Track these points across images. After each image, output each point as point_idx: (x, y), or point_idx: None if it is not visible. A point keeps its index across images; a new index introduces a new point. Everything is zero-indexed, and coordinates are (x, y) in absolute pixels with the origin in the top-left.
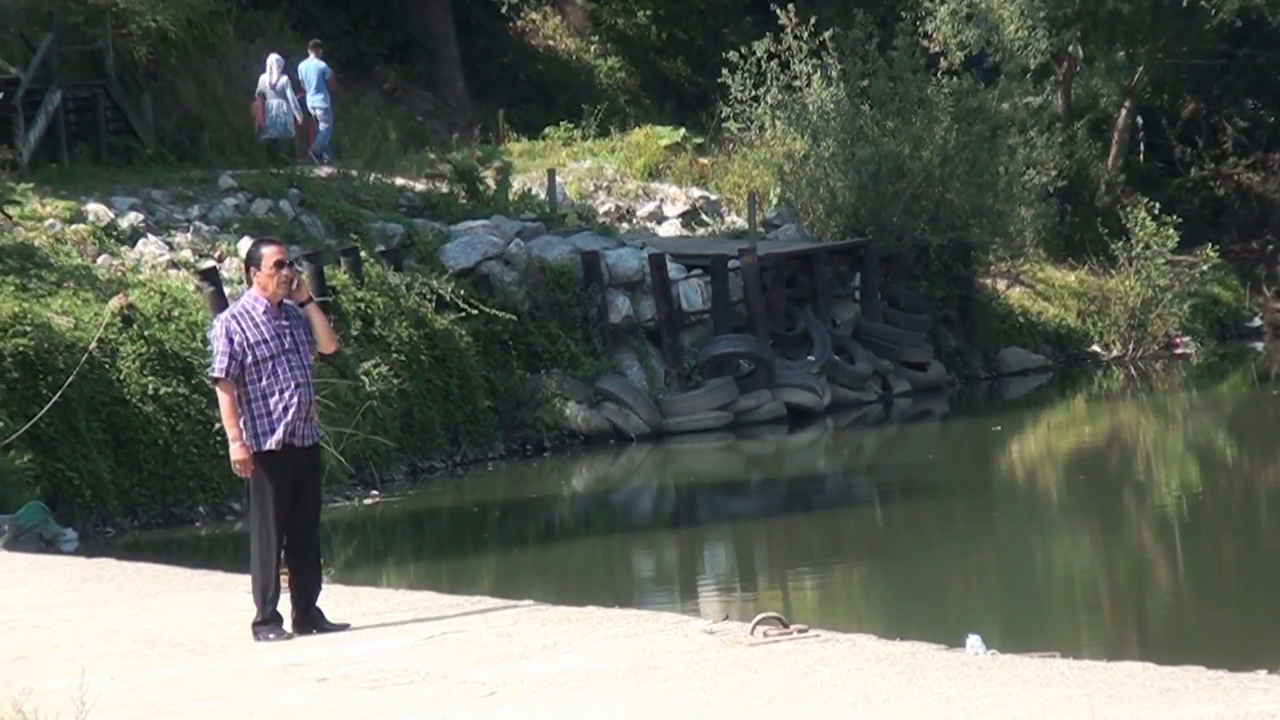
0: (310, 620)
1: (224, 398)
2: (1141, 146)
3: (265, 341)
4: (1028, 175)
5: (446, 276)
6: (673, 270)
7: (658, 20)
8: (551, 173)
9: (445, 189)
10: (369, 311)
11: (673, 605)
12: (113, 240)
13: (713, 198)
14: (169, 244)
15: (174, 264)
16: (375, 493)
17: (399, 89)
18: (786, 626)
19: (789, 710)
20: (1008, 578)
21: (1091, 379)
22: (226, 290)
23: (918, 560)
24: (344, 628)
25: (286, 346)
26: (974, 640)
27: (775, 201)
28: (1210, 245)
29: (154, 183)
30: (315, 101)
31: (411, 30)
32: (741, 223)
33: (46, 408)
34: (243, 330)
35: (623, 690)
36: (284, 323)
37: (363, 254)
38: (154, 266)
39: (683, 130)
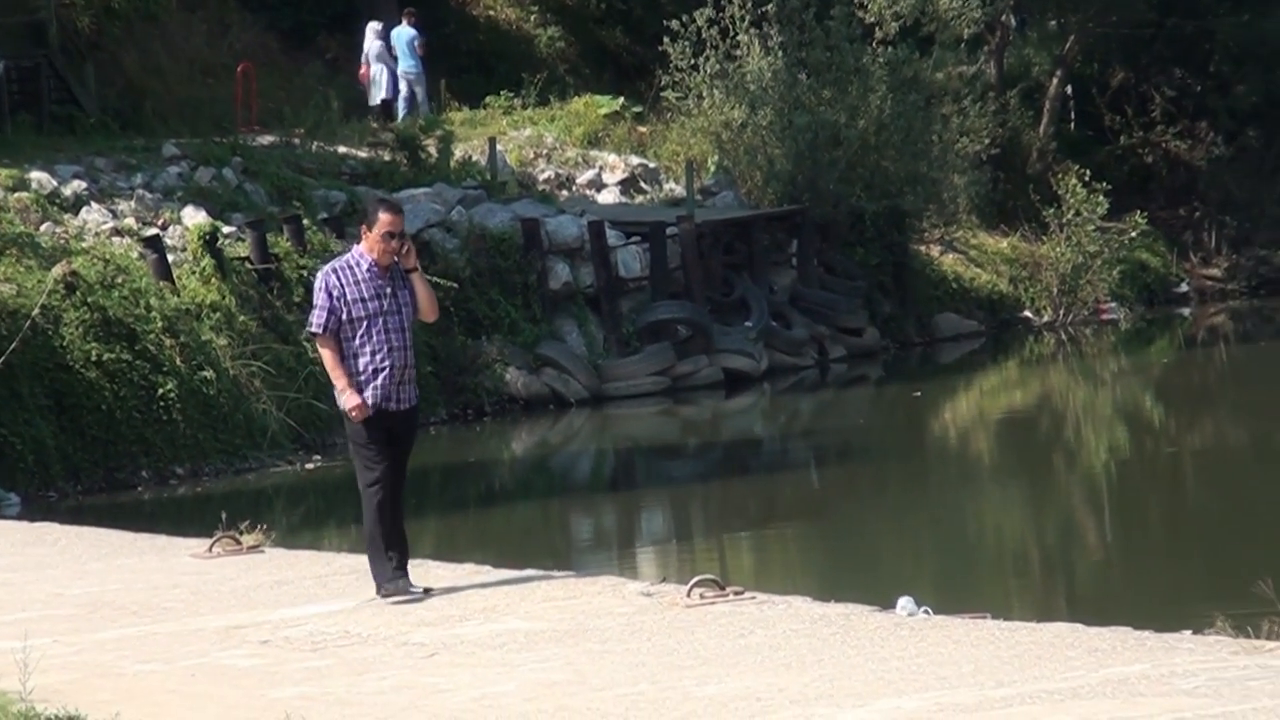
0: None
1: (326, 352)
2: (1072, 115)
3: (364, 300)
4: (961, 143)
5: None
6: (611, 237)
7: None
8: (492, 141)
9: (387, 157)
10: (311, 278)
11: (611, 568)
12: (56, 208)
13: (651, 166)
14: (112, 211)
15: (118, 231)
16: (317, 457)
17: (341, 58)
18: (723, 589)
19: (724, 671)
20: (940, 540)
21: (1023, 344)
22: (170, 257)
23: (852, 523)
24: (427, 594)
25: (385, 308)
26: (905, 601)
27: (713, 169)
28: (1139, 212)
29: (97, 151)
30: (406, 67)
31: (353, 0)
32: (679, 190)
33: None
34: (342, 285)
35: (561, 651)
36: (386, 284)
37: (305, 221)
38: (97, 234)
39: (621, 99)
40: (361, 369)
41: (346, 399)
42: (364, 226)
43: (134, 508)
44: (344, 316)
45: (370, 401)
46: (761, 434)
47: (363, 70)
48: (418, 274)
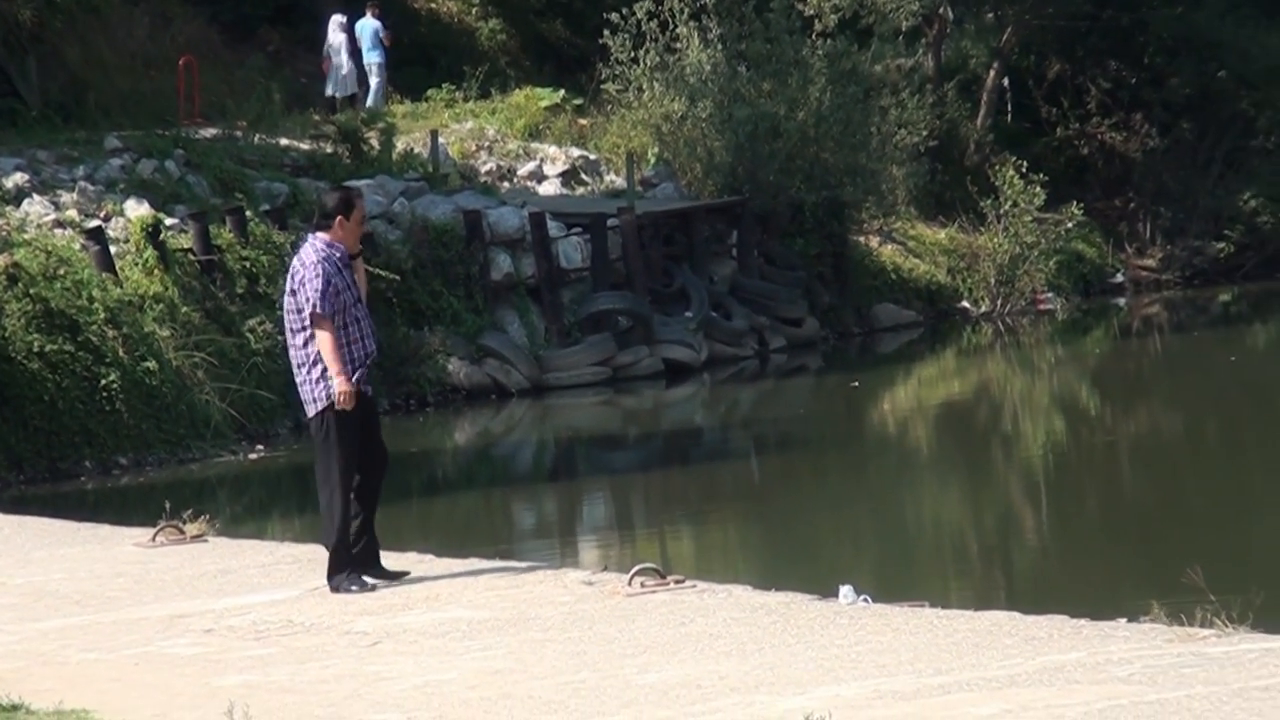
0: (371, 567)
1: (326, 335)
2: (1009, 107)
3: (348, 288)
4: (899, 135)
5: None
6: (553, 228)
7: None
8: (434, 133)
9: (330, 149)
10: (254, 270)
11: (553, 557)
12: None
13: (592, 157)
14: (55, 204)
15: (60, 223)
16: (260, 447)
17: (283, 51)
18: (663, 577)
19: (665, 659)
20: (880, 529)
21: (961, 334)
22: (113, 249)
23: (792, 512)
24: (403, 575)
25: (358, 296)
26: (846, 590)
27: (653, 161)
28: (1075, 203)
29: (39, 144)
30: (371, 58)
31: None
32: (620, 182)
33: None
34: (337, 273)
35: (503, 640)
36: (351, 271)
37: (248, 213)
38: (40, 226)
39: (562, 92)
40: (354, 355)
41: (341, 382)
42: (340, 218)
43: (77, 497)
44: (337, 303)
45: (355, 383)
46: (702, 424)
47: (325, 62)
48: (359, 259)
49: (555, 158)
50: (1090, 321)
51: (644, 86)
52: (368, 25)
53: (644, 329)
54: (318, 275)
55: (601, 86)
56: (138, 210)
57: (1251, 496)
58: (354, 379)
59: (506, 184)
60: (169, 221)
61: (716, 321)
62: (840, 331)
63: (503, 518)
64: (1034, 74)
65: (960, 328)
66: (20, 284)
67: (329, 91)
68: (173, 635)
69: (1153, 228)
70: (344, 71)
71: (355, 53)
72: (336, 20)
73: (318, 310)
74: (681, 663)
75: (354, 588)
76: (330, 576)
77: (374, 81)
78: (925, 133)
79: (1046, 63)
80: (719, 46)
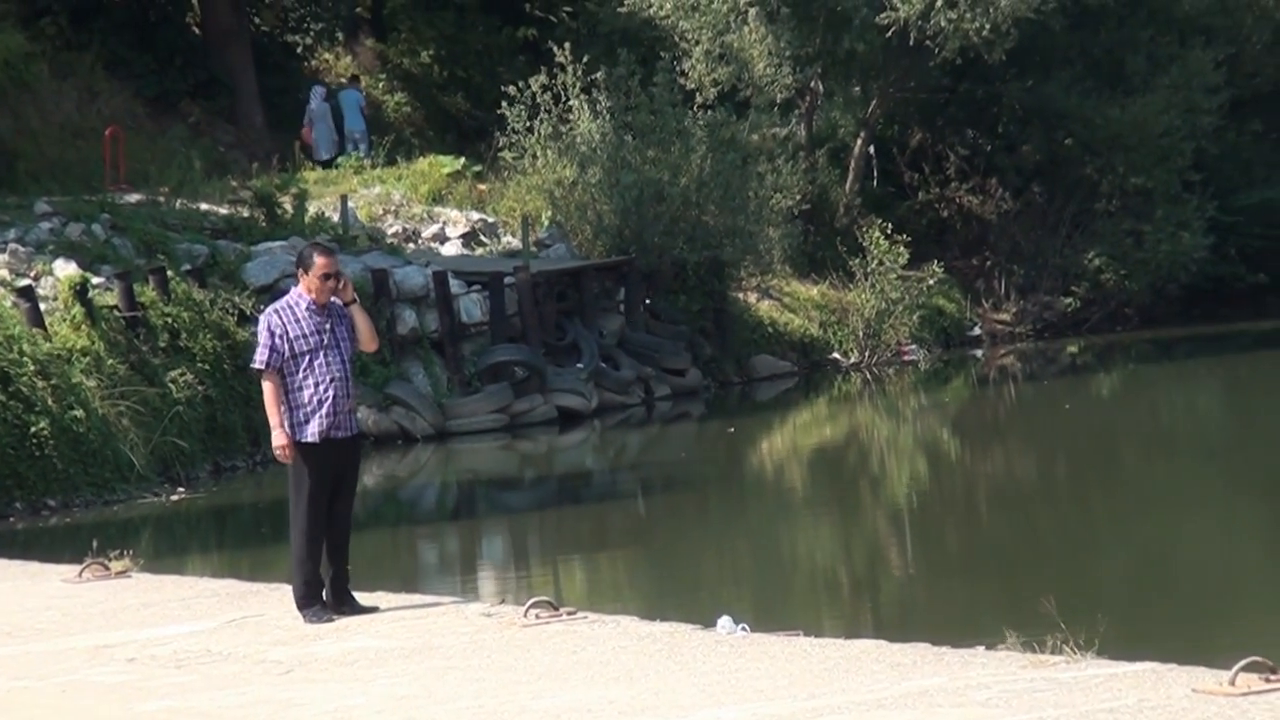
0: (341, 602)
1: (266, 387)
2: (875, 173)
3: (305, 336)
4: (775, 199)
5: (247, 293)
6: (454, 286)
7: (440, 60)
8: (344, 198)
9: (246, 213)
10: (175, 325)
11: (454, 591)
12: None
13: (490, 220)
14: None
15: None
16: (181, 490)
17: (203, 122)
18: (557, 609)
19: (559, 686)
20: (757, 563)
21: (832, 383)
22: (42, 306)
23: (676, 548)
24: (373, 610)
25: (325, 343)
26: (724, 620)
27: (547, 224)
28: (936, 262)
29: None
30: (351, 125)
31: (214, 69)
32: (516, 243)
33: None
34: (284, 324)
35: (408, 668)
36: (325, 320)
37: (169, 273)
38: None
39: (463, 159)
40: (307, 400)
41: (276, 436)
42: (300, 270)
43: (8, 537)
44: (286, 353)
45: (318, 430)
46: (592, 467)
47: (305, 130)
48: (356, 306)
49: (456, 221)
50: (950, 371)
51: (538, 154)
52: (350, 95)
53: (539, 379)
54: (264, 328)
55: (499, 155)
56: (66, 270)
57: (1096, 532)
58: (314, 426)
59: (412, 245)
60: (96, 280)
61: (606, 372)
62: (721, 381)
63: (408, 554)
64: (898, 142)
65: (832, 377)
66: None
67: (318, 156)
68: (98, 664)
69: (1007, 284)
70: (324, 136)
71: (337, 120)
72: (318, 91)
73: (255, 365)
74: (574, 689)
75: (314, 618)
76: (298, 607)
77: (361, 147)
78: (798, 197)
79: (909, 132)
80: (607, 118)
